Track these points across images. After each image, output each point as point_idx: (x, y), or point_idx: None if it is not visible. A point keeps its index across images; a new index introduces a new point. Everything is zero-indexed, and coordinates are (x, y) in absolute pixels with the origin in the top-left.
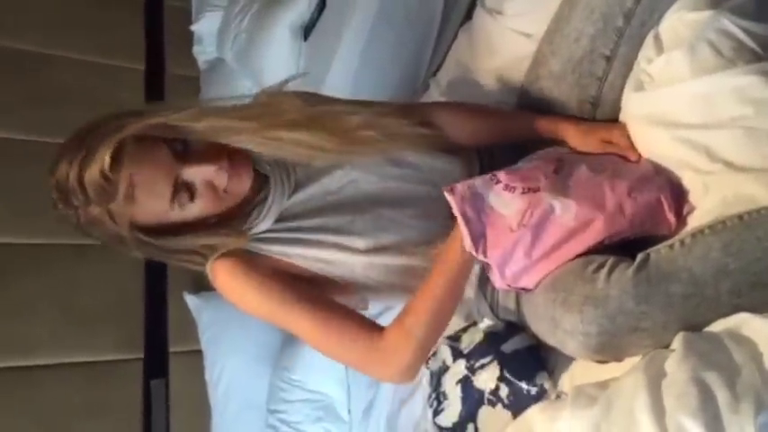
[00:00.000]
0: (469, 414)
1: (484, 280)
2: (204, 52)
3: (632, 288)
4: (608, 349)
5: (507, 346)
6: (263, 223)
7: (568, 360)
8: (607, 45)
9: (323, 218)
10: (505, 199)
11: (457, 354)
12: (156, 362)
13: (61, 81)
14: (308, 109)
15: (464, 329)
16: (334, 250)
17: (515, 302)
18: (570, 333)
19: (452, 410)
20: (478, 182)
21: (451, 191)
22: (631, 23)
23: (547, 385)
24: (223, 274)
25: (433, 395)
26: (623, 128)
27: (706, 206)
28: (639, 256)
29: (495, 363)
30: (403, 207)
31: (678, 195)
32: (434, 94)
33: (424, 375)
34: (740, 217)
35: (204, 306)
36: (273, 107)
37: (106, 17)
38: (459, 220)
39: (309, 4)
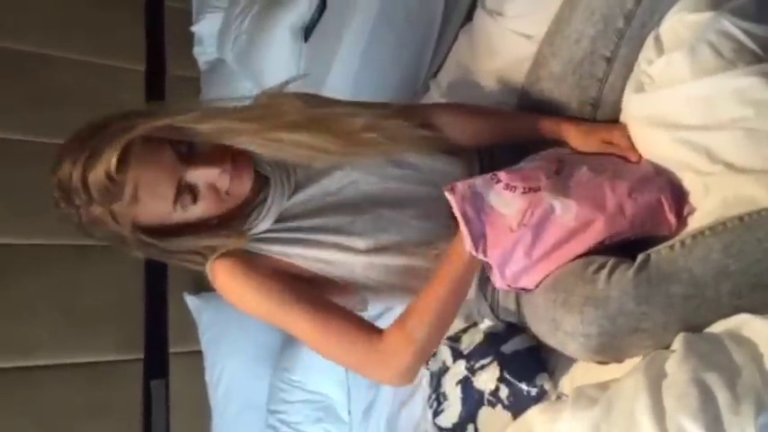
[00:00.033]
0: (469, 415)
1: (484, 280)
2: (205, 53)
3: (633, 289)
4: (608, 350)
5: (507, 347)
6: (263, 223)
7: (569, 361)
8: (607, 46)
9: (323, 218)
10: (506, 198)
11: (457, 354)
12: (156, 362)
13: (61, 82)
14: (310, 111)
15: (464, 330)
16: (333, 250)
17: (515, 303)
18: (571, 334)
19: (452, 411)
20: (479, 181)
21: (452, 190)
22: (632, 25)
23: (547, 386)
24: (222, 275)
25: (433, 396)
26: (624, 129)
27: (706, 207)
28: (640, 257)
29: (495, 363)
30: (403, 207)
31: (678, 196)
32: (435, 96)
33: (424, 376)
34: (741, 218)
35: (204, 307)
36: (275, 109)
37: (106, 18)
38: (460, 219)
39: (310, 5)
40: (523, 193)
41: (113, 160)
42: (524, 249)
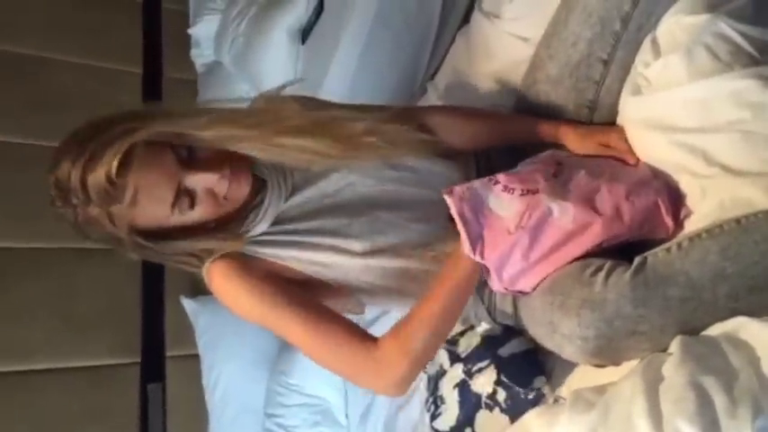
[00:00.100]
0: (467, 418)
1: (481, 284)
2: (202, 56)
3: (630, 291)
4: (605, 353)
5: (504, 350)
6: (260, 226)
7: (566, 364)
8: (604, 49)
9: (319, 220)
10: (504, 201)
11: (454, 358)
12: (153, 366)
13: (59, 84)
14: (310, 115)
15: (461, 333)
16: (330, 253)
17: (513, 306)
18: (568, 337)
19: (450, 414)
20: (477, 183)
21: (450, 192)
22: (629, 27)
23: (544, 389)
24: (218, 277)
25: (431, 399)
26: (621, 131)
27: (703, 210)
28: (637, 260)
29: (493, 367)
30: (400, 210)
31: (675, 199)
32: (432, 98)
33: (422, 380)
34: (737, 221)
35: (201, 310)
36: (276, 114)
37: (104, 20)
38: (457, 221)
39: (307, 7)
40: (521, 195)
41: (114, 163)
42: (522, 252)
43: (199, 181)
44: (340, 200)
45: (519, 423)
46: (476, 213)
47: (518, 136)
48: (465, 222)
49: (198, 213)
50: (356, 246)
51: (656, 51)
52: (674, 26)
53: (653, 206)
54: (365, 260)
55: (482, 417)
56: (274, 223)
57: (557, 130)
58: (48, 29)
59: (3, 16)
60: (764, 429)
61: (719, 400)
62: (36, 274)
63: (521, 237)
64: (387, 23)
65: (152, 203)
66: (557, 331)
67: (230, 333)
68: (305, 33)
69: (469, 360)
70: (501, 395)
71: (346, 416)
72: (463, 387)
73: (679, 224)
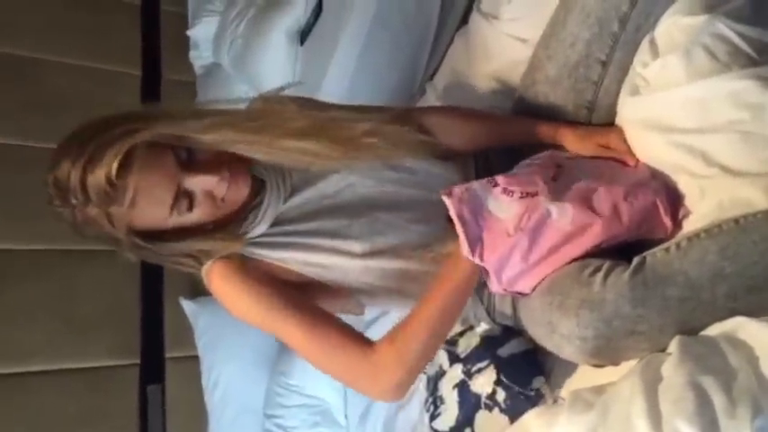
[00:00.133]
0: (466, 418)
1: (480, 284)
2: (200, 57)
3: (629, 291)
4: (604, 353)
5: (504, 351)
6: (259, 227)
7: (565, 364)
8: (603, 50)
9: (319, 221)
10: (503, 203)
11: (454, 358)
12: (152, 367)
13: (58, 86)
14: (311, 117)
15: (461, 333)
16: (330, 254)
17: (512, 308)
18: (567, 337)
19: (449, 415)
20: (476, 185)
21: (449, 194)
22: (627, 28)
23: (544, 389)
24: (218, 278)
25: (430, 399)
26: (620, 132)
27: (702, 210)
28: (636, 260)
29: (492, 367)
30: (399, 210)
31: (674, 199)
32: (431, 99)
33: (421, 380)
34: (736, 221)
35: (200, 311)
36: (277, 116)
37: (103, 22)
38: (456, 222)
39: (306, 8)
40: (521, 197)
41: (115, 165)
42: (521, 254)
43: (198, 183)
44: (339, 201)
45: (518, 423)
46: (475, 215)
47: (517, 137)
48: (464, 224)
49: (196, 215)
50: (356, 247)
51: (655, 52)
52: (673, 27)
53: (651, 206)
54: (364, 261)
55: (481, 417)
56: (273, 224)
57: (556, 131)
58: (47, 31)
59: (2, 18)
60: (763, 429)
61: (718, 400)
62: (35, 275)
63: (520, 239)
64: (385, 24)
65: (151, 205)
66: (555, 331)
67: (230, 334)
68: (303, 35)
69: (469, 360)
70: (500, 395)
71: (345, 416)
72: (462, 387)
73: (678, 224)
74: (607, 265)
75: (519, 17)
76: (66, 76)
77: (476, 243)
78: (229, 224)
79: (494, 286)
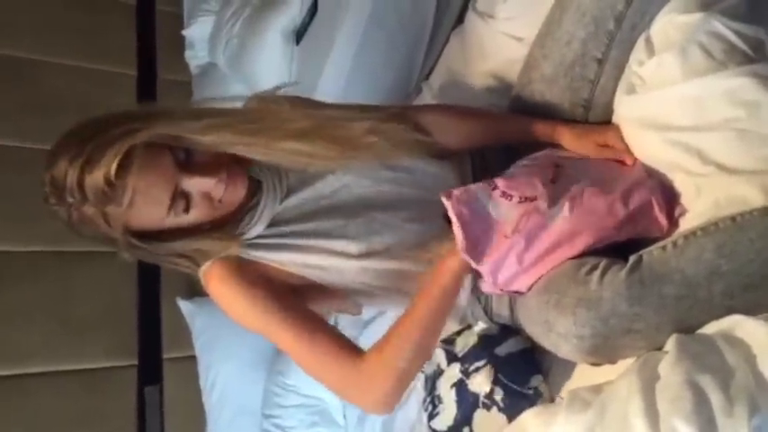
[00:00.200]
0: (465, 418)
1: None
2: (196, 57)
3: (625, 290)
4: (601, 351)
5: (501, 350)
6: (255, 228)
7: (563, 363)
8: (598, 48)
9: (315, 222)
10: (502, 207)
11: (451, 357)
12: (150, 368)
13: (54, 87)
14: (309, 117)
15: (458, 333)
16: (326, 255)
17: (509, 309)
18: (564, 336)
19: (448, 414)
20: (476, 188)
21: (448, 195)
22: (622, 27)
23: (541, 388)
24: (215, 280)
25: (428, 399)
26: (617, 130)
27: (698, 208)
28: (632, 258)
29: (490, 366)
30: (396, 210)
31: (670, 198)
32: (427, 98)
33: (419, 379)
34: (733, 218)
35: (198, 311)
36: (275, 117)
37: (98, 23)
38: (455, 223)
39: (301, 8)
40: (520, 202)
41: (114, 165)
42: (517, 255)
43: (195, 185)
44: (336, 201)
45: (516, 423)
46: (473, 217)
47: (513, 135)
48: (463, 225)
49: (193, 216)
50: (352, 248)
51: (650, 50)
52: (668, 25)
53: (647, 205)
54: (360, 262)
55: (480, 416)
56: (270, 225)
57: (553, 129)
58: (42, 32)
59: None
60: (761, 427)
61: (716, 399)
62: (32, 277)
63: (516, 241)
64: (381, 24)
65: (148, 205)
66: (553, 330)
67: (227, 334)
68: (299, 34)
69: (466, 359)
70: (498, 394)
71: (344, 416)
72: (460, 386)
73: (674, 223)
74: (604, 263)
75: (515, 16)
76: (62, 77)
77: (474, 244)
78: (226, 225)
79: (488, 287)
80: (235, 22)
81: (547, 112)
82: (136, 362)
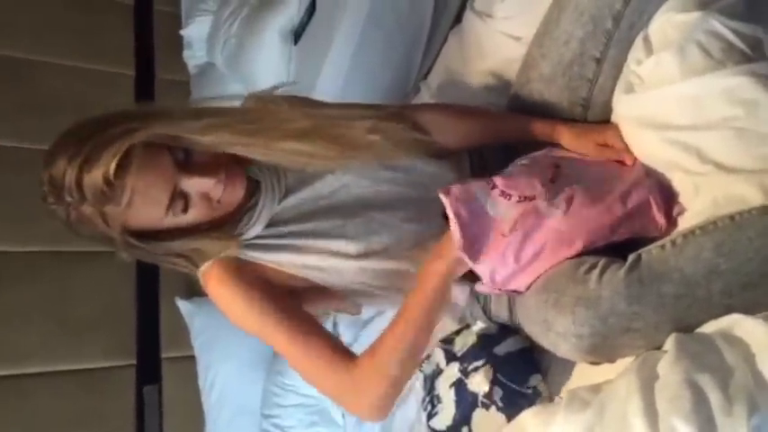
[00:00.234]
0: (464, 417)
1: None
2: (194, 57)
3: (624, 289)
4: (600, 350)
5: (500, 349)
6: (254, 229)
7: (562, 362)
8: (597, 47)
9: (314, 222)
10: (501, 206)
11: (450, 356)
12: (148, 368)
13: (52, 87)
14: (307, 117)
15: (457, 332)
16: (325, 255)
17: (508, 310)
18: (562, 335)
19: (446, 414)
20: (475, 186)
21: (446, 192)
22: (620, 26)
23: (540, 388)
24: (214, 281)
25: (427, 398)
26: (616, 129)
27: (696, 207)
28: (631, 257)
29: (489, 365)
30: (394, 210)
31: (668, 197)
32: (425, 97)
33: (418, 379)
34: (731, 217)
35: (196, 311)
36: (274, 117)
37: (96, 23)
38: (453, 221)
39: (299, 8)
40: (518, 201)
41: (113, 165)
42: (514, 254)
43: (194, 185)
44: (335, 201)
45: (515, 422)
46: (472, 215)
47: (512, 134)
48: (461, 223)
49: (191, 216)
50: (351, 248)
51: (649, 49)
52: (666, 24)
53: (645, 204)
54: (359, 262)
55: (479, 416)
56: (268, 225)
57: (552, 128)
58: (40, 32)
59: None
60: (760, 427)
61: (715, 398)
62: (30, 277)
63: (513, 239)
64: (379, 23)
65: (147, 205)
66: (551, 329)
67: (226, 334)
68: (297, 34)
69: (465, 359)
70: (497, 394)
71: (343, 416)
72: (459, 386)
73: (672, 222)
74: (602, 262)
75: (513, 15)
76: (60, 77)
77: (471, 242)
78: (224, 225)
79: (485, 287)
80: (233, 22)
81: (545, 112)
82: (134, 362)
